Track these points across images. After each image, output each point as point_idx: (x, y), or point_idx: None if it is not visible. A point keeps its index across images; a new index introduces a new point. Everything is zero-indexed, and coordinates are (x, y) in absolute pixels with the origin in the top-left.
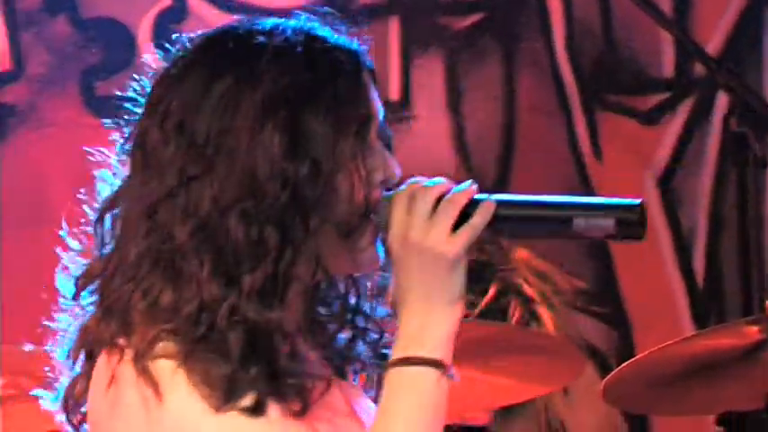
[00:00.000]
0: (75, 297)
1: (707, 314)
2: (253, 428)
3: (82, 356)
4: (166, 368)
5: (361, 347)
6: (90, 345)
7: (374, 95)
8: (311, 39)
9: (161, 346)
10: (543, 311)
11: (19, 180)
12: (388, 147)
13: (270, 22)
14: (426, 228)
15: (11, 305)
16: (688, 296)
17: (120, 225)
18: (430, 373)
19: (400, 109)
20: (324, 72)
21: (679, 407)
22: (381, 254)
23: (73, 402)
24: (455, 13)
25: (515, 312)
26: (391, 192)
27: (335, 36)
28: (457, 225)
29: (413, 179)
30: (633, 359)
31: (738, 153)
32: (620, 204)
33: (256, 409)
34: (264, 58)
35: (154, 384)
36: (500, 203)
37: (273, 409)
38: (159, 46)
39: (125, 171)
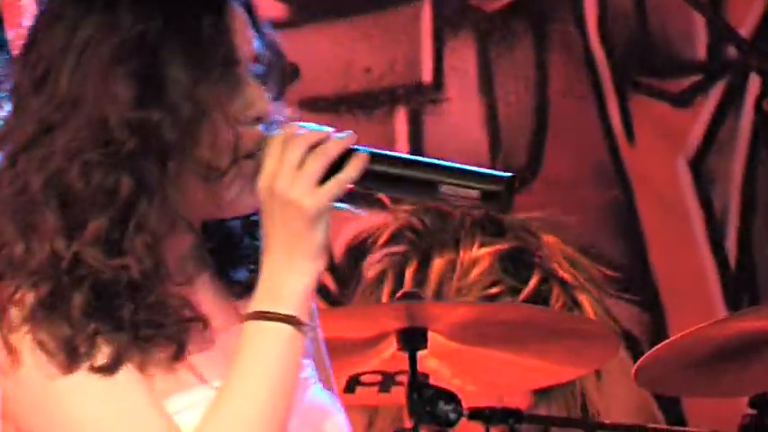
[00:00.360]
0: None
1: (739, 297)
2: (105, 387)
3: None
4: (20, 330)
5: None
6: None
7: (245, 34)
8: None
9: (13, 307)
10: (583, 297)
11: None
12: (269, 81)
13: None
14: (292, 178)
15: None
16: (720, 278)
17: None
18: (285, 329)
19: (433, 92)
20: (181, 15)
21: (711, 389)
22: (254, 198)
23: None
24: None
25: (558, 299)
26: (269, 134)
27: None
28: (328, 176)
29: (290, 125)
30: (665, 342)
31: None
32: (488, 175)
33: (109, 368)
34: (123, 2)
35: (8, 344)
36: (374, 158)
37: (132, 361)
38: None
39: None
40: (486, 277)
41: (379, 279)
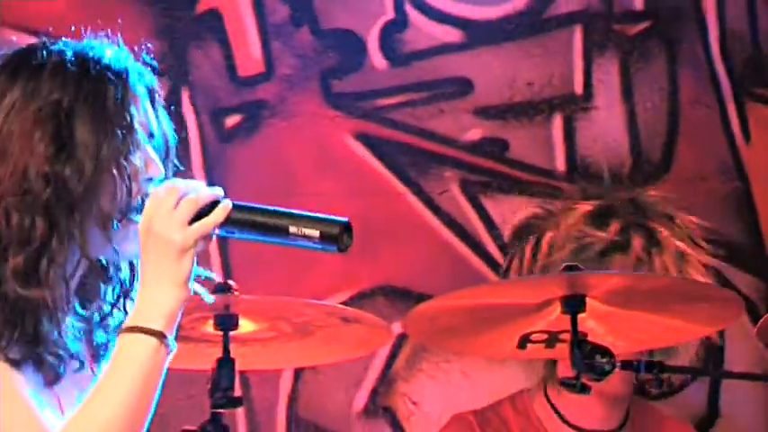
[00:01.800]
0: None
1: None
2: (11, 375)
3: None
4: None
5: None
6: None
7: (143, 108)
8: (85, 59)
9: None
10: (667, 242)
11: (269, 162)
12: (161, 150)
13: (61, 43)
14: (166, 218)
15: None
16: None
17: None
18: (149, 340)
19: (583, 101)
20: (91, 88)
21: None
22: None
23: None
24: (627, 22)
25: (637, 244)
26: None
27: (112, 57)
28: (197, 219)
29: (172, 180)
30: None
31: None
32: (328, 220)
33: (17, 364)
34: (44, 74)
35: None
36: (235, 207)
37: (27, 373)
38: (385, 51)
39: None
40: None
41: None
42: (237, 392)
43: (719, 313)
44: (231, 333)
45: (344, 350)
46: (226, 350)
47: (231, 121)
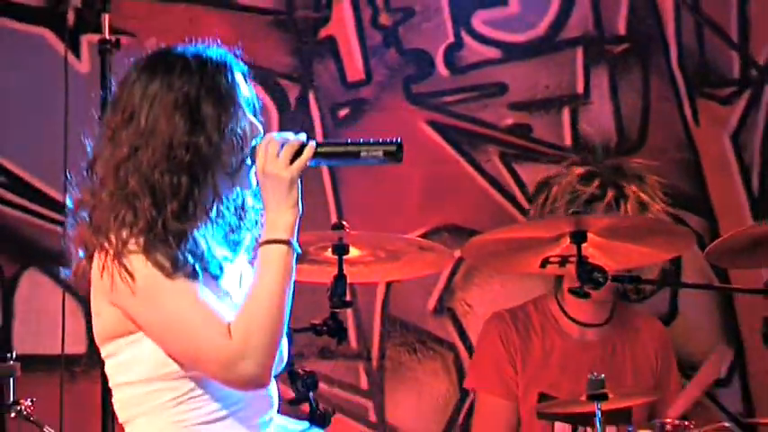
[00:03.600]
0: (73, 214)
1: (757, 215)
2: (194, 286)
3: (81, 249)
4: (137, 258)
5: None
6: (86, 245)
7: (242, 81)
8: (201, 58)
9: (131, 247)
10: (630, 193)
11: None
12: (255, 114)
13: (186, 47)
14: (274, 162)
15: None
16: (749, 202)
17: (99, 176)
18: (281, 248)
19: (583, 98)
20: (209, 79)
21: (745, 263)
22: (253, 182)
23: (79, 276)
24: (614, 44)
25: (609, 195)
26: (256, 143)
27: (217, 54)
28: (294, 159)
29: (269, 134)
30: (718, 240)
31: None
32: (386, 143)
33: (194, 275)
34: (176, 72)
35: (128, 271)
36: (318, 145)
37: (207, 272)
38: (447, 64)
39: (102, 142)
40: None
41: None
42: (348, 298)
43: (678, 243)
44: (344, 257)
45: (421, 269)
46: (340, 269)
47: (342, 112)
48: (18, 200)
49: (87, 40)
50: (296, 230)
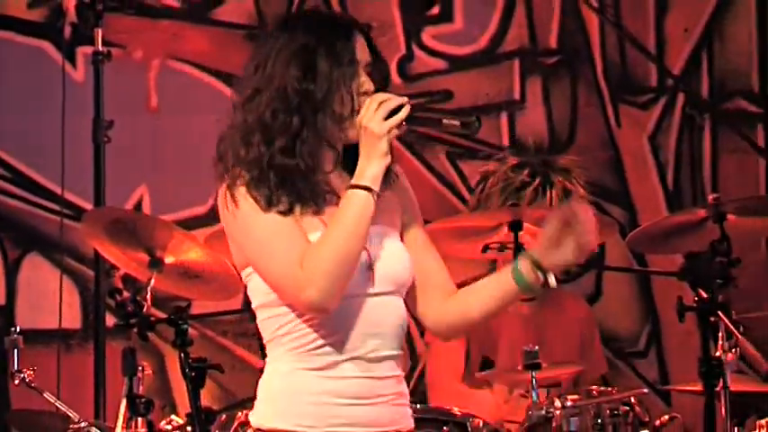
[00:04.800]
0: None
1: (672, 207)
2: (283, 220)
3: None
4: (241, 190)
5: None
6: (215, 175)
7: (362, 46)
8: (323, 17)
9: (239, 180)
10: (556, 181)
11: None
12: (371, 74)
13: (318, 9)
14: (371, 117)
15: None
16: (664, 195)
17: (231, 115)
18: (362, 193)
19: (519, 104)
20: (326, 35)
21: (655, 248)
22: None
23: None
24: (546, 56)
25: (536, 182)
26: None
27: (340, 16)
28: (391, 116)
29: (378, 93)
30: (637, 228)
31: None
32: (461, 116)
33: (286, 212)
34: (300, 29)
35: (234, 200)
36: (412, 108)
37: (297, 211)
38: (400, 74)
39: (238, 88)
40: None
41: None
42: None
43: (602, 231)
44: None
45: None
46: None
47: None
48: (20, 192)
49: (82, 51)
50: (380, 178)
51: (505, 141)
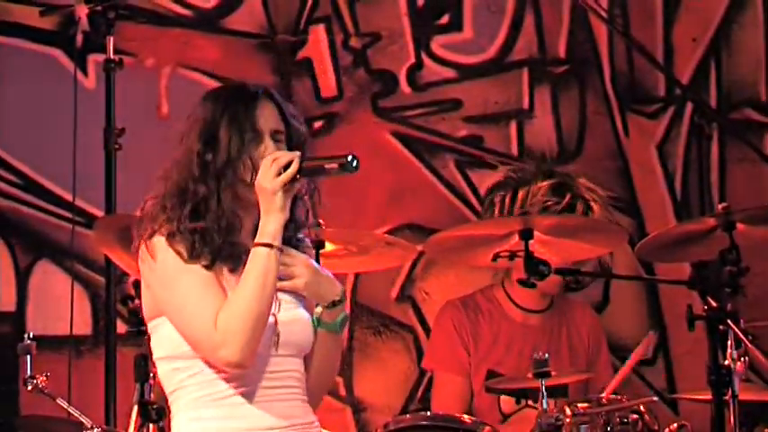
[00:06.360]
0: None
1: (680, 216)
2: (203, 273)
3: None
4: (162, 241)
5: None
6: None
7: (269, 114)
8: (233, 91)
9: (160, 232)
10: (595, 206)
11: (339, 150)
12: (280, 142)
13: (232, 83)
14: (264, 175)
15: None
16: (673, 206)
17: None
18: (264, 250)
19: (528, 113)
20: (229, 105)
21: (666, 257)
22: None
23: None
24: (555, 65)
25: (579, 207)
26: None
27: (245, 89)
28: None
29: (274, 153)
30: (646, 238)
31: None
32: (341, 156)
33: (209, 266)
34: (210, 100)
35: (154, 250)
36: (300, 162)
37: (217, 267)
38: (409, 82)
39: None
40: (545, 198)
41: (500, 203)
42: None
43: (611, 240)
44: (321, 251)
45: (387, 262)
46: (317, 260)
47: (317, 125)
48: (32, 199)
49: (94, 59)
50: (280, 233)
51: (514, 150)
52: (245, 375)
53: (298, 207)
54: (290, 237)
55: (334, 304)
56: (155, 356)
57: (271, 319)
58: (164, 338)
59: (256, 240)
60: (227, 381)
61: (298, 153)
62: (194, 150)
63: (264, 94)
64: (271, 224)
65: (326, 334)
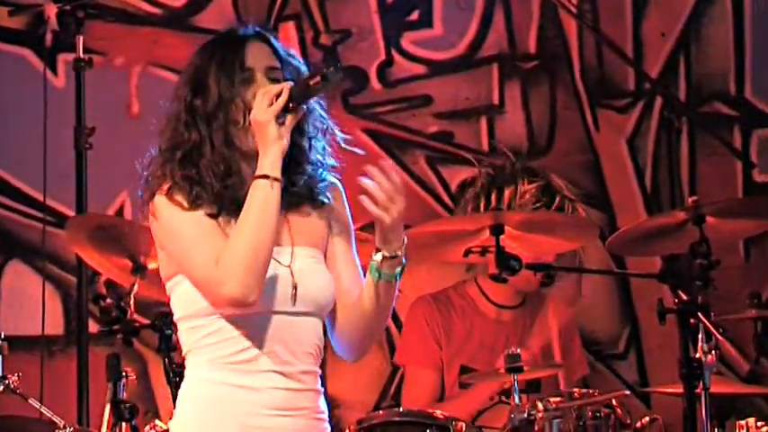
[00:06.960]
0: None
1: (651, 210)
2: (204, 219)
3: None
4: (162, 199)
5: None
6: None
7: (259, 52)
8: (219, 37)
9: (159, 191)
10: (579, 207)
11: None
12: (276, 80)
13: (214, 36)
14: (258, 108)
15: None
16: (643, 200)
17: None
18: (263, 182)
19: (498, 108)
20: (215, 50)
21: (637, 251)
22: None
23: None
24: (525, 61)
25: (568, 208)
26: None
27: (237, 32)
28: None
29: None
30: (617, 232)
31: None
32: (321, 68)
33: (212, 215)
34: (199, 50)
35: (157, 209)
36: (291, 89)
37: (221, 215)
38: (380, 79)
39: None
40: (534, 199)
41: (475, 200)
42: None
43: (582, 234)
44: None
45: (359, 258)
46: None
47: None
48: (2, 199)
49: (63, 58)
50: (279, 163)
51: (485, 146)
52: (261, 337)
53: (313, 149)
54: (311, 178)
55: (395, 255)
56: (175, 317)
57: (284, 270)
58: (181, 297)
59: (256, 173)
60: (244, 339)
61: (289, 83)
62: (183, 98)
63: (255, 35)
64: (269, 155)
65: (384, 285)
